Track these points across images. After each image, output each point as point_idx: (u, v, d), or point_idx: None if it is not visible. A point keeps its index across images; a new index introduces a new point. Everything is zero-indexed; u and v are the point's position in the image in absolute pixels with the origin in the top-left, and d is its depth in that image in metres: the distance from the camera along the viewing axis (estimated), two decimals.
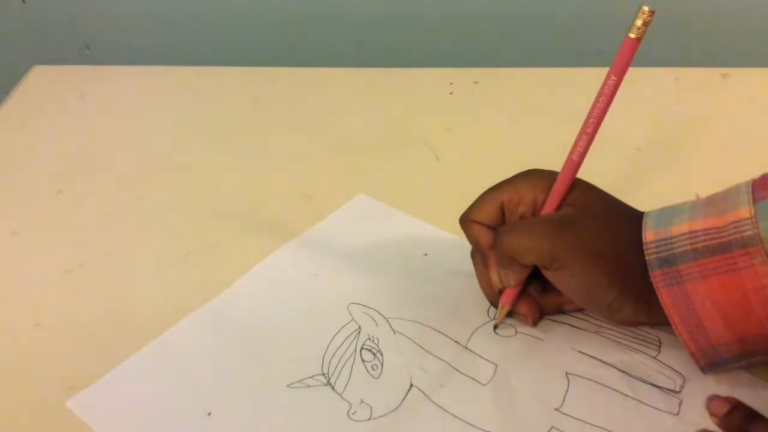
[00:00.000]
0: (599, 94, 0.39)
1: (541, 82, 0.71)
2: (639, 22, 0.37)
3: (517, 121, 0.66)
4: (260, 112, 0.68)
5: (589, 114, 0.40)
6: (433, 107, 0.68)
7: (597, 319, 0.44)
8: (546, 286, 0.43)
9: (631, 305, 0.40)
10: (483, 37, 0.87)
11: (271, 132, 0.66)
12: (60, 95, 0.71)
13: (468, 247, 0.45)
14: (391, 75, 0.73)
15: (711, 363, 0.39)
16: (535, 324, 0.44)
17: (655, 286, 0.38)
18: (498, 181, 0.43)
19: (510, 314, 0.45)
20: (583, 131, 0.40)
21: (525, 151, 0.61)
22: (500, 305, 0.44)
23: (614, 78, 0.38)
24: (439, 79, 0.71)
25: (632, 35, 0.37)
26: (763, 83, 0.69)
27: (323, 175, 0.60)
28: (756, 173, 0.39)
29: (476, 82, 0.71)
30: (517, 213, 0.43)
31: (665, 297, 0.38)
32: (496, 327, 0.45)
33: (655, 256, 0.38)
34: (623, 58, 0.38)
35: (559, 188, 0.41)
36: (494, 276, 0.43)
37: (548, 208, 0.42)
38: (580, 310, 0.45)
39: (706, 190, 0.41)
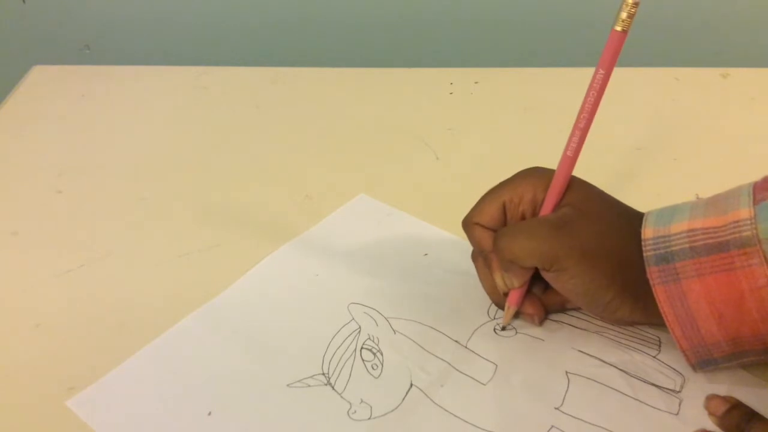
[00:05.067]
0: (589, 89, 0.39)
1: (541, 82, 0.71)
2: (624, 15, 0.37)
3: (517, 121, 0.66)
4: (260, 112, 0.68)
5: (581, 109, 0.40)
6: (433, 107, 0.68)
7: (597, 318, 0.45)
8: (548, 285, 0.43)
9: (629, 304, 0.40)
10: (483, 37, 0.87)
11: (272, 132, 0.66)
12: (60, 95, 0.71)
13: (468, 247, 0.45)
14: (391, 75, 0.73)
15: (701, 361, 0.39)
16: (541, 323, 0.44)
17: (651, 282, 0.38)
18: (498, 181, 0.44)
19: (516, 315, 0.45)
20: (576, 127, 0.40)
21: (525, 151, 0.61)
22: (507, 306, 0.44)
23: (602, 71, 0.38)
24: (439, 79, 0.71)
25: (618, 28, 0.37)
26: (763, 83, 0.69)
27: (323, 175, 0.60)
28: (756, 173, 0.39)
29: (476, 82, 0.71)
30: (518, 212, 0.43)
31: (660, 294, 0.38)
32: (504, 328, 0.45)
33: (652, 253, 0.38)
34: (610, 52, 0.38)
35: (556, 186, 0.41)
36: (498, 279, 0.43)
37: (546, 207, 0.42)
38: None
39: (706, 190, 0.41)
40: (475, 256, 0.45)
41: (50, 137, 0.65)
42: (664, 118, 0.65)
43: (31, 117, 0.68)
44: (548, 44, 0.86)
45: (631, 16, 0.37)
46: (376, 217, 0.55)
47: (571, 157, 0.41)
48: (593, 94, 0.39)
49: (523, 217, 0.43)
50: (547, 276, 0.41)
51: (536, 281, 0.44)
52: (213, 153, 0.63)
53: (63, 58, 0.80)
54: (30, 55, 0.79)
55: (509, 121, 0.66)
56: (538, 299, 0.44)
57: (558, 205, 0.42)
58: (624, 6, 0.37)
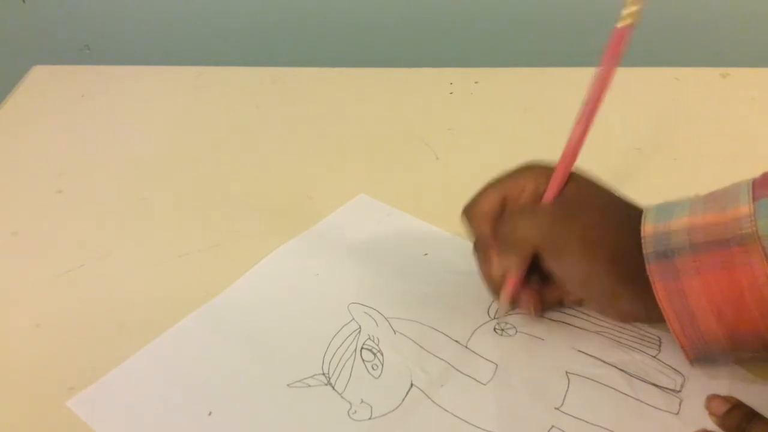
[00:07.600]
0: (594, 81, 0.39)
1: (541, 82, 0.71)
2: (632, 9, 0.37)
3: (517, 121, 0.66)
4: (260, 112, 0.68)
5: (586, 100, 0.39)
6: (433, 107, 0.68)
7: (597, 318, 0.44)
8: (546, 280, 0.43)
9: (628, 295, 0.40)
10: (483, 37, 0.87)
11: (272, 132, 0.66)
12: (60, 95, 0.71)
13: (468, 246, 0.45)
14: (391, 75, 0.73)
15: (700, 357, 0.39)
16: (537, 314, 0.44)
17: (651, 279, 0.38)
18: None
19: (514, 310, 0.45)
20: (579, 117, 0.40)
21: (525, 151, 0.60)
22: (502, 295, 0.44)
23: (605, 66, 0.38)
24: (439, 79, 0.71)
25: (620, 24, 0.37)
26: (763, 83, 0.69)
27: (323, 175, 0.60)
28: (756, 173, 0.39)
29: (476, 82, 0.71)
30: (519, 205, 0.43)
31: (660, 291, 0.38)
32: (501, 319, 0.45)
33: (652, 249, 0.38)
34: (614, 47, 0.38)
35: (558, 176, 0.41)
36: (496, 265, 0.43)
37: (548, 198, 0.42)
38: (580, 303, 0.45)
39: (706, 190, 0.41)
40: (475, 246, 0.45)
41: (50, 137, 0.65)
42: (664, 118, 0.65)
43: (31, 117, 0.68)
44: (548, 44, 0.86)
45: (634, 13, 0.37)
46: (376, 217, 0.54)
47: (573, 147, 0.41)
48: (597, 85, 0.39)
49: None
50: (547, 260, 0.41)
51: (534, 275, 0.44)
52: (213, 153, 0.63)
53: (63, 58, 0.80)
54: (30, 55, 0.79)
55: (509, 121, 0.66)
56: (535, 291, 0.44)
57: (559, 196, 0.42)
58: (627, 4, 0.37)
